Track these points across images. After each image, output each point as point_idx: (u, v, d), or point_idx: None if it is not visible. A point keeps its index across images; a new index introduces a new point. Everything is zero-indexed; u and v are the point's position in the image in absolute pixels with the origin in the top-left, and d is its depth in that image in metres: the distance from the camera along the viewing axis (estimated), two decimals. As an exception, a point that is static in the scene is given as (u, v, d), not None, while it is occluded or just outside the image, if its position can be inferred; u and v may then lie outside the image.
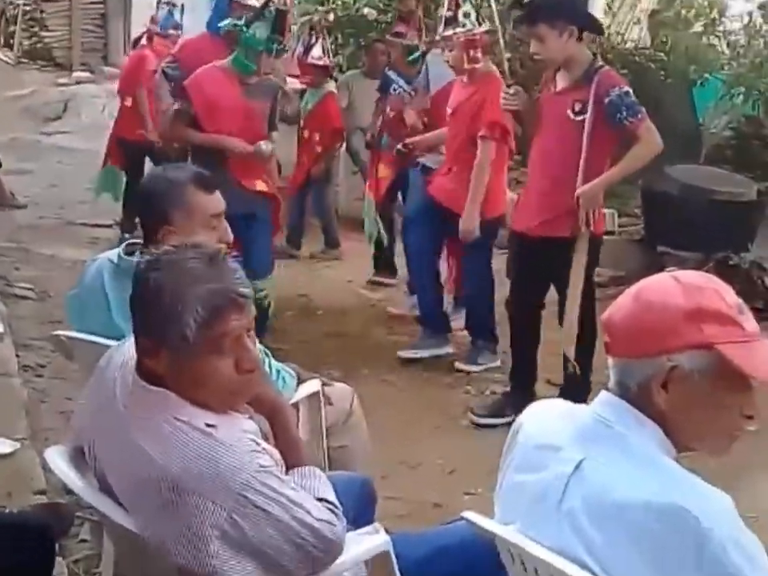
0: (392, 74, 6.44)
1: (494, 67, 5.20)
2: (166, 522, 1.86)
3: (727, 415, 1.75)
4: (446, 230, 5.34)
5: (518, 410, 2.08)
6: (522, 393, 4.58)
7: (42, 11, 14.99)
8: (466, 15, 5.16)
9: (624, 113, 4.24)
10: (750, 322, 1.73)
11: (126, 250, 2.84)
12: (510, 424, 2.06)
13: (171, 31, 7.47)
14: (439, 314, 5.58)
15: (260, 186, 4.95)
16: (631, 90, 4.29)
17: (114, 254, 2.90)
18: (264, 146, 4.86)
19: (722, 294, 1.72)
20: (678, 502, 1.63)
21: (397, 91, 6.34)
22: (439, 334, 5.50)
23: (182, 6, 7.75)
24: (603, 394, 1.80)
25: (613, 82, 4.34)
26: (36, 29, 14.96)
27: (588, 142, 4.29)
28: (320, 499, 2.01)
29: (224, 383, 1.95)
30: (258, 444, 1.94)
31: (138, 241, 2.87)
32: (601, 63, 4.52)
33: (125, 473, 1.94)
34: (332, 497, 2.06)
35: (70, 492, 2.93)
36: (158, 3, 7.72)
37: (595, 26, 4.82)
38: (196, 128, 4.91)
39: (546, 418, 1.91)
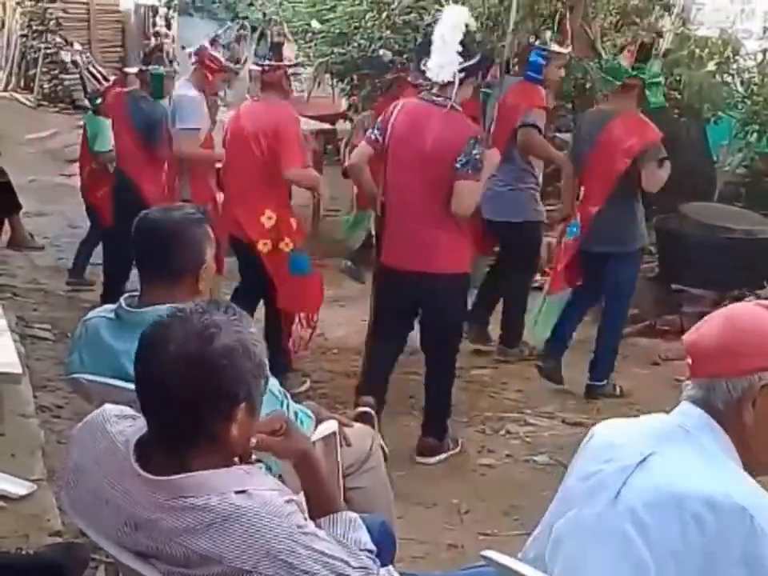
0: None
1: None
2: None
3: None
4: None
5: None
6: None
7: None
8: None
9: None
10: None
11: (128, 301, 2.85)
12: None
13: None
14: None
15: None
16: None
17: (107, 310, 2.91)
18: None
19: None
20: (738, 502, 1.72)
21: None
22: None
23: None
24: (684, 403, 1.91)
25: None
26: (56, 71, 15.13)
27: None
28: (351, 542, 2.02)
29: None
30: (288, 501, 1.92)
31: (136, 293, 2.88)
32: None
33: (166, 561, 1.90)
34: (366, 539, 2.06)
35: (86, 534, 2.94)
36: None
37: None
38: None
39: (620, 424, 2.02)
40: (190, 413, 1.88)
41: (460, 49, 4.39)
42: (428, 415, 4.83)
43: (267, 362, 1.99)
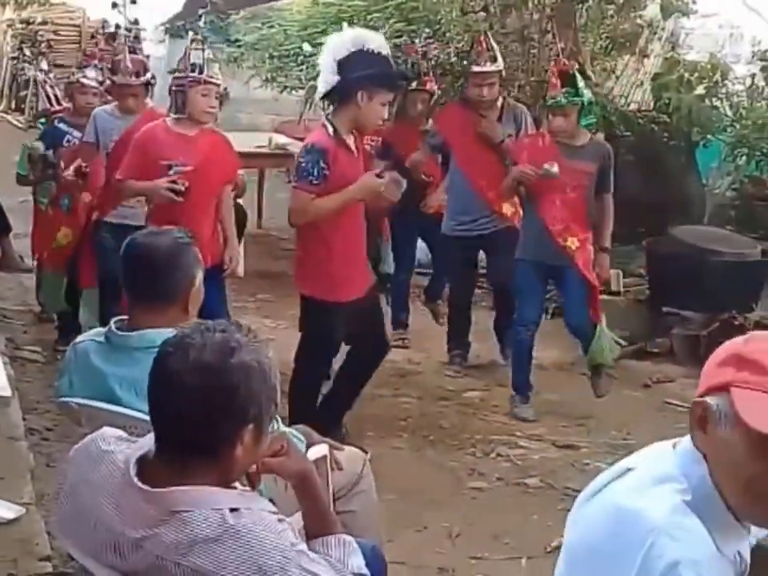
0: (63, 126, 6.42)
1: None
2: None
3: (763, 479, 1.66)
4: None
5: None
6: None
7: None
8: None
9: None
10: None
11: (117, 325, 2.84)
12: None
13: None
14: None
15: None
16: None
17: (97, 333, 2.91)
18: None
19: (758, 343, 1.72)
20: (649, 522, 1.66)
21: (71, 142, 6.31)
22: None
23: None
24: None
25: None
26: (47, 93, 15.14)
27: None
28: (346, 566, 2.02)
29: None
30: (280, 520, 1.92)
31: (125, 317, 2.88)
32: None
33: None
34: (360, 563, 2.07)
35: (74, 559, 2.92)
36: None
37: None
38: None
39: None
40: (198, 422, 1.87)
41: (334, 71, 4.51)
42: None
43: (279, 390, 1.98)
